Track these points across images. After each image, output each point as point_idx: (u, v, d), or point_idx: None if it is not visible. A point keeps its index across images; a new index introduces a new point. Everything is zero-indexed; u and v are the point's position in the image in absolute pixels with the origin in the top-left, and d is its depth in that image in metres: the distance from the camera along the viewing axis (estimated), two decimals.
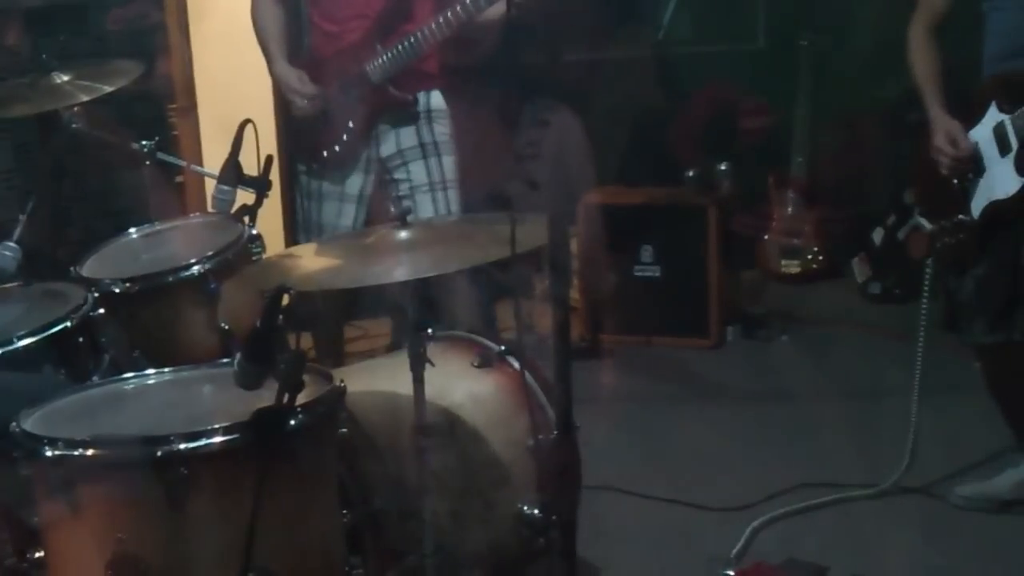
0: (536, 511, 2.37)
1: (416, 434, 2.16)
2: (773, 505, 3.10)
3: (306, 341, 3.32)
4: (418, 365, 2.14)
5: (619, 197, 4.59)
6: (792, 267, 5.07)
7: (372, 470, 2.28)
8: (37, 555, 1.89)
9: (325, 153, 3.19)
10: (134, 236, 2.82)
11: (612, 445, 3.40)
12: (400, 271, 2.07)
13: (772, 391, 4.01)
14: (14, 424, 1.89)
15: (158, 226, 2.85)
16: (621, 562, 2.85)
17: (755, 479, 3.25)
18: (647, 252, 4.49)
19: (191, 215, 2.93)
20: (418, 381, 2.14)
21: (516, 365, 2.48)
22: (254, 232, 2.67)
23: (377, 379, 2.41)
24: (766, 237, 5.13)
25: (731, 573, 2.62)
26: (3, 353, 2.22)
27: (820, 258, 5.06)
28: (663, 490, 3.22)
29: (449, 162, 3.26)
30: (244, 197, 2.72)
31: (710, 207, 4.43)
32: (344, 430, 2.12)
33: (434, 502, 2.20)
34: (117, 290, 2.47)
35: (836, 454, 3.37)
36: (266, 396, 1.83)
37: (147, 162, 2.94)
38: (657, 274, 4.49)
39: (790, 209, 5.10)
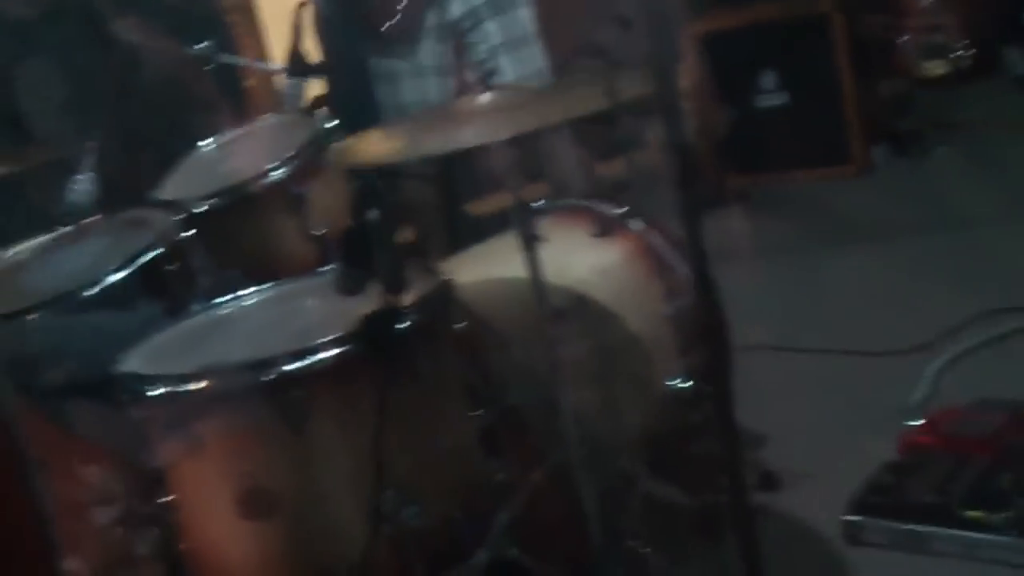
0: (686, 384, 2.33)
1: (541, 321, 2.12)
2: (954, 342, 2.99)
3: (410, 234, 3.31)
4: (531, 245, 2.09)
5: (727, 20, 4.42)
6: (938, 68, 4.82)
7: (500, 364, 2.27)
8: (166, 499, 1.93)
9: (383, 28, 3.12)
10: (208, 149, 2.81)
11: (758, 299, 3.32)
12: (495, 131, 1.99)
13: (934, 214, 3.85)
14: (116, 366, 1.93)
15: (231, 134, 2.84)
16: (790, 426, 2.79)
17: (928, 316, 3.13)
18: (769, 78, 4.33)
19: (262, 117, 2.90)
20: (533, 263, 2.10)
21: (639, 228, 2.42)
22: (332, 123, 2.63)
23: (490, 265, 2.38)
24: (904, 37, 4.87)
25: (918, 423, 2.55)
26: (93, 294, 2.24)
27: (969, 53, 4.79)
28: (823, 341, 3.14)
29: (525, 14, 3.19)
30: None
31: (834, 13, 4.23)
32: (462, 325, 2.10)
33: (572, 390, 2.17)
34: (200, 209, 2.47)
35: (1021, 275, 3.22)
36: (373, 301, 1.83)
37: (209, 67, 2.92)
38: (783, 101, 4.33)
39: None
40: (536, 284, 2.10)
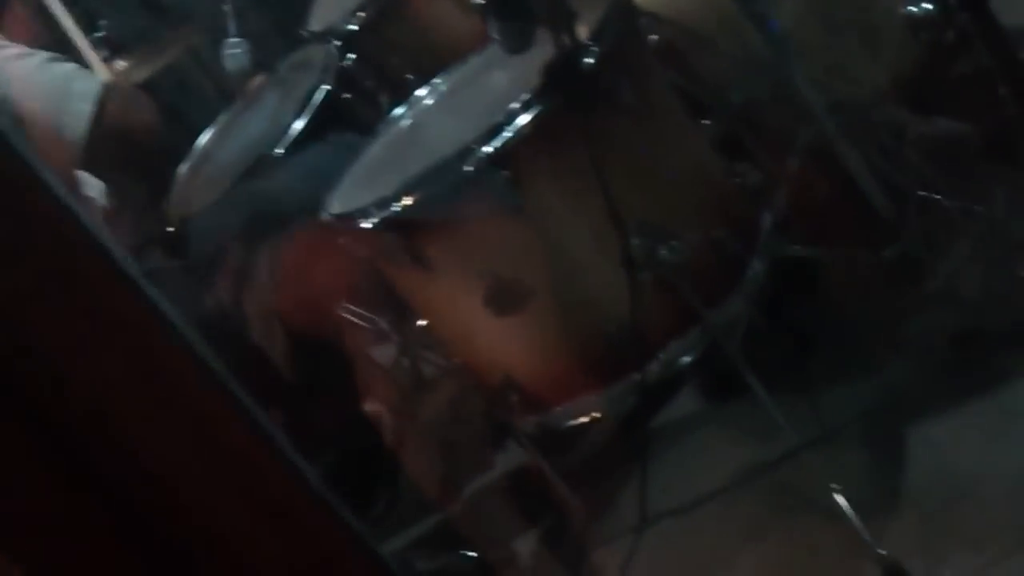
0: (925, 4, 2.03)
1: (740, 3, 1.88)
2: None
3: None
4: None
5: None
6: None
7: (714, 63, 2.06)
8: (419, 324, 1.89)
9: None
10: None
11: None
12: None
13: None
14: (324, 212, 1.87)
15: None
16: None
17: None
18: None
19: None
20: None
21: None
22: None
23: None
24: None
25: None
26: (290, 145, 2.20)
27: None
28: None
29: None
30: None
31: None
32: (655, 36, 1.89)
33: (803, 56, 1.94)
34: (354, 26, 2.34)
35: None
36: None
37: None
38: None
39: None
40: None
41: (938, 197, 2.00)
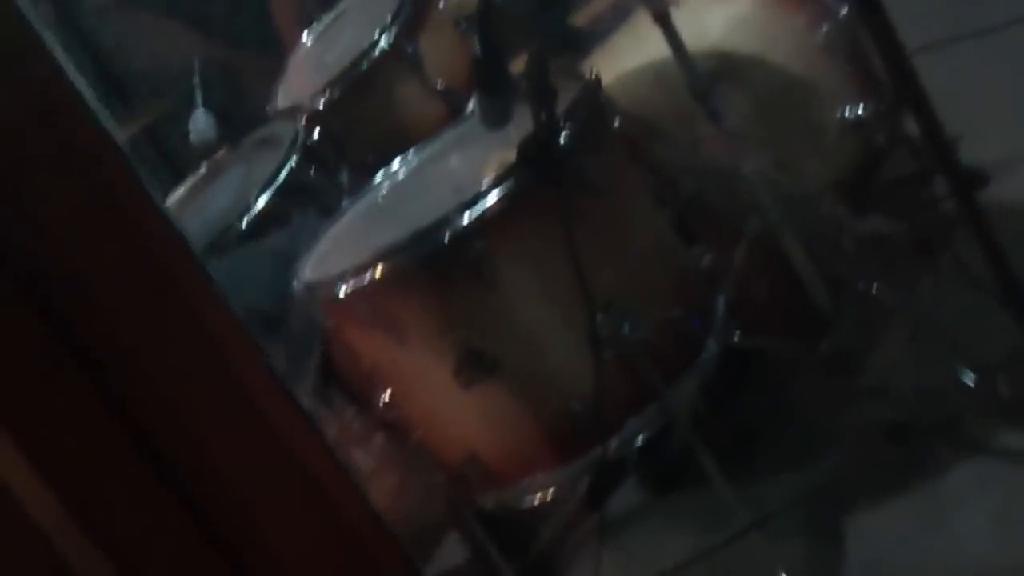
0: (859, 110, 2.13)
1: (696, 96, 1.96)
2: None
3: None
4: (666, 21, 1.91)
5: None
6: None
7: (668, 153, 2.13)
8: (384, 396, 1.88)
9: None
10: (309, 43, 2.70)
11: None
12: None
13: None
14: (295, 282, 1.87)
15: (325, 20, 2.70)
16: (977, 119, 2.50)
17: None
18: None
19: None
20: (671, 35, 1.92)
21: None
22: None
23: (625, 55, 2.21)
24: None
25: None
26: (249, 222, 2.20)
27: None
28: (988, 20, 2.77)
29: None
30: None
31: None
32: (618, 124, 1.95)
33: (751, 157, 2.02)
34: (319, 105, 2.37)
35: None
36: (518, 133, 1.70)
37: None
38: None
39: None
40: (682, 59, 1.93)
41: (872, 291, 2.07)
